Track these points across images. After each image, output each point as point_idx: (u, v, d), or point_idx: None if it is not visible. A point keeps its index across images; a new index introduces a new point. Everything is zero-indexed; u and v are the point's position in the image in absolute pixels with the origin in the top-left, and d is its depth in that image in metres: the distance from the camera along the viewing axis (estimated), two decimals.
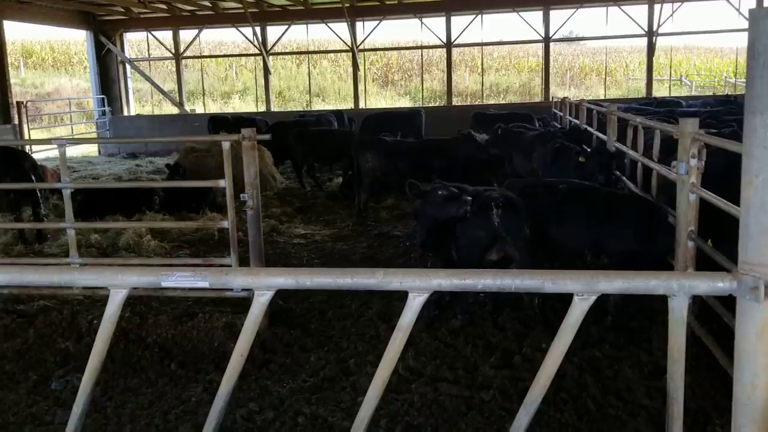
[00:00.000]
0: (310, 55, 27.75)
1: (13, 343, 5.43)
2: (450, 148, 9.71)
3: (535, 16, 22.38)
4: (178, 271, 1.64)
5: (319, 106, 29.50)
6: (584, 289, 1.46)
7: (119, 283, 1.66)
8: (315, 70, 31.98)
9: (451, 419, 4.11)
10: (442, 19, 22.35)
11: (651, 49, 22.15)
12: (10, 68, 19.84)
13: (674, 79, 30.67)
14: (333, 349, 5.29)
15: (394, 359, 1.60)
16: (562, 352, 1.50)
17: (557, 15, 22.43)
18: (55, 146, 6.17)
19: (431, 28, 22.56)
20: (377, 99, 31.73)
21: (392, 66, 37.05)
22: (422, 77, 25.65)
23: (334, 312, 6.04)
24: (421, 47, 24.92)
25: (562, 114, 14.73)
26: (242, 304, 5.92)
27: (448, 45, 22.55)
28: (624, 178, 7.62)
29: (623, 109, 10.68)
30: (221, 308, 5.94)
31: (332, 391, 4.58)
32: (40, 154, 18.37)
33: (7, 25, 19.41)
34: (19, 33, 34.86)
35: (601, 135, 9.20)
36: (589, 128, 10.33)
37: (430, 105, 27.80)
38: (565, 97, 15.21)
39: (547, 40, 22.30)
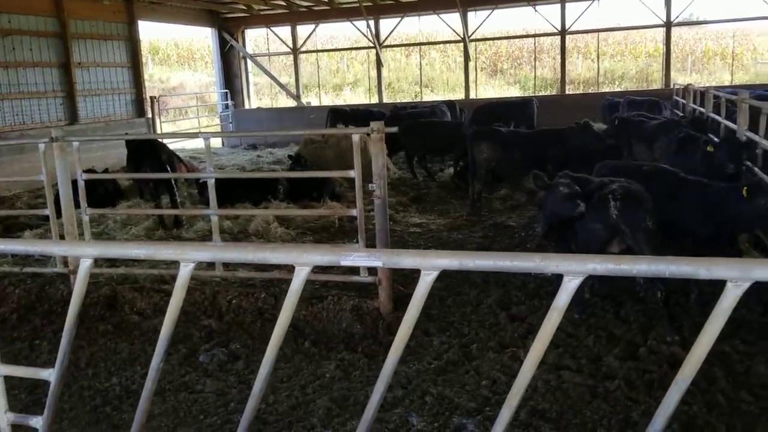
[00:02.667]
0: (420, 46, 27.92)
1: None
2: (567, 138, 9.55)
3: (655, 0, 21.42)
4: (355, 252, 1.86)
5: (428, 96, 29.62)
6: (739, 276, 1.55)
7: (305, 261, 1.89)
8: (424, 60, 32.08)
9: (576, 406, 4.19)
10: (556, 6, 21.82)
11: None
12: None
13: None
14: (454, 334, 5.46)
15: (549, 336, 1.75)
16: (715, 334, 1.61)
17: None
18: (185, 139, 6.70)
19: (545, 16, 22.10)
20: (485, 89, 31.41)
21: (501, 54, 36.51)
22: (534, 65, 25.16)
23: (453, 299, 6.20)
24: (534, 35, 24.45)
25: (684, 102, 14.13)
26: (366, 288, 6.23)
27: (563, 32, 22.00)
28: (756, 168, 7.30)
29: (754, 96, 10.15)
30: (346, 292, 6.26)
31: (456, 374, 4.76)
32: (171, 145, 19.60)
33: (140, 24, 20.81)
34: (147, 32, 37.20)
35: (729, 124, 8.82)
36: (716, 117, 9.89)
37: (541, 93, 27.26)
38: (688, 84, 14.57)
39: (668, 25, 21.29)
